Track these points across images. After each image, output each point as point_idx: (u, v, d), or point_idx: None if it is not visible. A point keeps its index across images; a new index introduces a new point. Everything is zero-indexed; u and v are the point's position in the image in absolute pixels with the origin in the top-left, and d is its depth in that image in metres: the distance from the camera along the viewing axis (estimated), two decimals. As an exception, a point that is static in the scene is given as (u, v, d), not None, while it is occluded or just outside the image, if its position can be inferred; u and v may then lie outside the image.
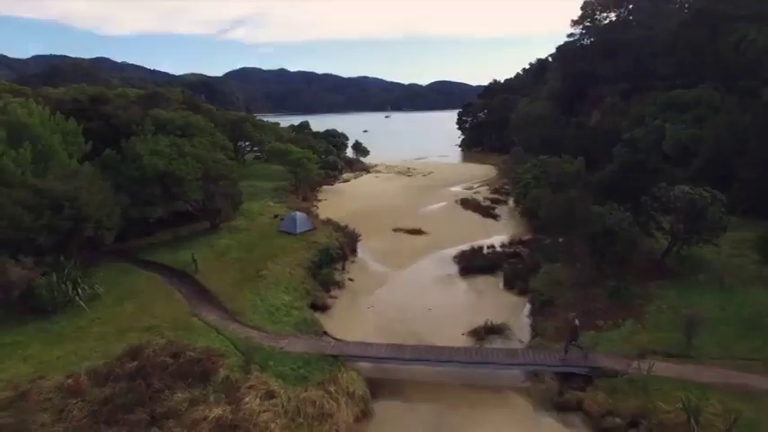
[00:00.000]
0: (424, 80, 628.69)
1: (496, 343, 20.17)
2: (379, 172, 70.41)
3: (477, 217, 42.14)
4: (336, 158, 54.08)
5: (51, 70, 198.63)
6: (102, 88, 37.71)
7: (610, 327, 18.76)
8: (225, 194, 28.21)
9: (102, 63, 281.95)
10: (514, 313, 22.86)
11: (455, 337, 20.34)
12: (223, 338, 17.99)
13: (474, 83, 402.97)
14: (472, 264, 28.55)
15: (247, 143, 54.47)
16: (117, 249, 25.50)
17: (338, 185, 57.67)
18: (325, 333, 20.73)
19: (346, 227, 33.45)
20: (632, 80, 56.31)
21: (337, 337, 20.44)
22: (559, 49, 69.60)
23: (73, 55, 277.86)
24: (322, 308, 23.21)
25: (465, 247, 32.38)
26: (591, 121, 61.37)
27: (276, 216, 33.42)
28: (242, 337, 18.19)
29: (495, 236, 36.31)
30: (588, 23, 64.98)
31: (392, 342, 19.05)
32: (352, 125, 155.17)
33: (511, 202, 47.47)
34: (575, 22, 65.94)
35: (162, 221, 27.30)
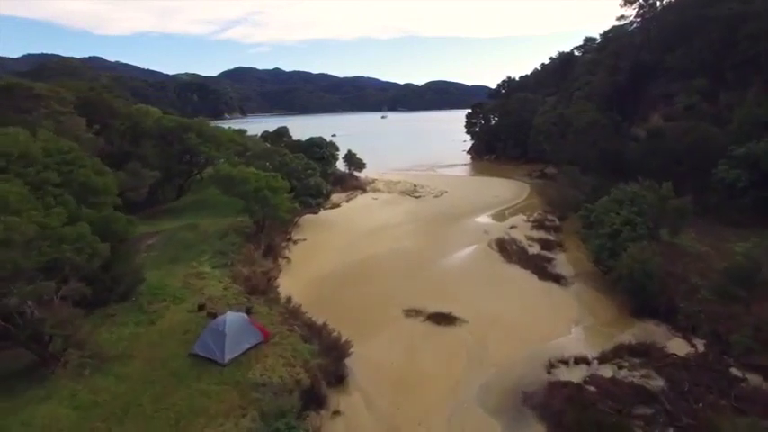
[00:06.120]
0: (420, 80, 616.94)
1: None
2: (377, 191, 55.64)
3: (529, 279, 27.50)
4: (321, 181, 39.22)
5: (39, 68, 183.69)
6: None
7: None
8: (67, 297, 13.51)
9: (94, 62, 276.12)
10: None
11: None
12: None
13: (470, 83, 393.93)
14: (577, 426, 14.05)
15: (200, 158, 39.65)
16: None
17: (324, 214, 42.92)
18: None
19: (324, 327, 18.81)
20: (717, 73, 42.11)
21: None
22: (606, 35, 55.13)
23: (67, 54, 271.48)
24: None
25: (537, 364, 18.25)
26: (649, 126, 47.27)
27: (201, 308, 18.71)
28: None
29: (574, 325, 21.99)
30: (645, 1, 50.71)
31: None
32: (347, 125, 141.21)
33: (568, 242, 33.20)
34: (627, 1, 51.66)
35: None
